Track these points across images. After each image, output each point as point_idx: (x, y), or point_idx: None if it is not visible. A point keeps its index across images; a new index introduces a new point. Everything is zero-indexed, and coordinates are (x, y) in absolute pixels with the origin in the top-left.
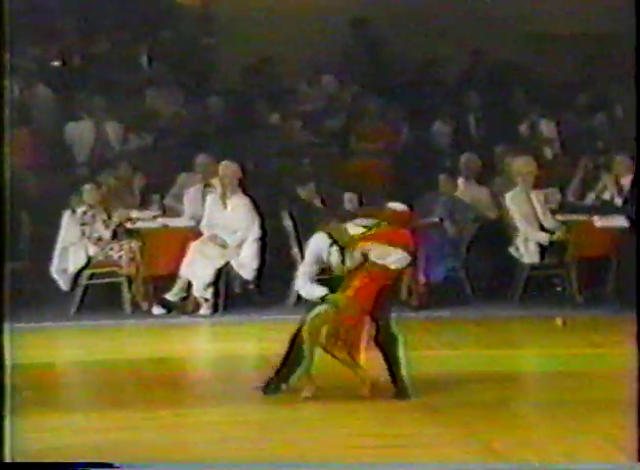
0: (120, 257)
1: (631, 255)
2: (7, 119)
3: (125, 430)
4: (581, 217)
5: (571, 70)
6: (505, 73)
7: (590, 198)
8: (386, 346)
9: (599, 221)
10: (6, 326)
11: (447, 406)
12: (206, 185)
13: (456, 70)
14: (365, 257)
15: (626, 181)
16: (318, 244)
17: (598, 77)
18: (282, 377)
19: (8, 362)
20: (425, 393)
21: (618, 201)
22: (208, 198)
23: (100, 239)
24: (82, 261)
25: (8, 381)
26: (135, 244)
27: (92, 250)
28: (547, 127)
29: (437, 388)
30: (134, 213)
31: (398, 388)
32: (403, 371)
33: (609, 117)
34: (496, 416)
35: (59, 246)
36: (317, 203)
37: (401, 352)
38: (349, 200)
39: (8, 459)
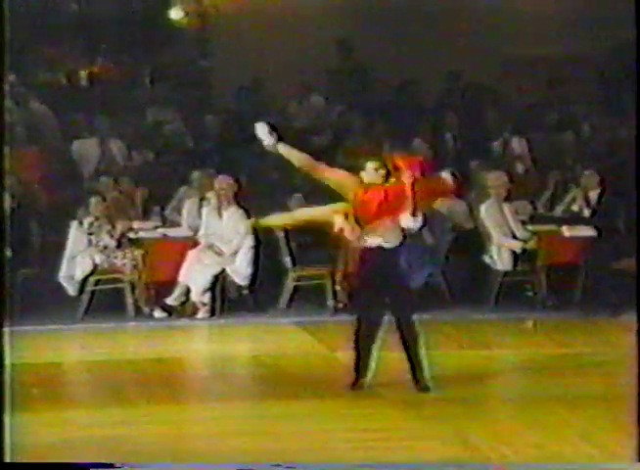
0: (124, 264)
1: (597, 262)
2: (17, 136)
3: (127, 425)
4: (551, 228)
5: (541, 91)
6: (479, 94)
7: (559, 210)
8: (409, 343)
9: (567, 231)
10: (7, 329)
11: (426, 402)
12: (203, 198)
13: (434, 90)
14: None
15: (593, 195)
16: None
17: (566, 97)
18: (361, 372)
19: (17, 361)
20: (406, 389)
21: (587, 212)
22: (205, 209)
23: (105, 248)
24: (89, 268)
25: (16, 379)
26: (138, 252)
27: (98, 258)
28: (518, 144)
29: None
30: (136, 224)
31: (420, 382)
32: (424, 366)
33: (576, 134)
34: (472, 411)
35: (67, 254)
36: None
37: (422, 350)
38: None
39: (8, 459)
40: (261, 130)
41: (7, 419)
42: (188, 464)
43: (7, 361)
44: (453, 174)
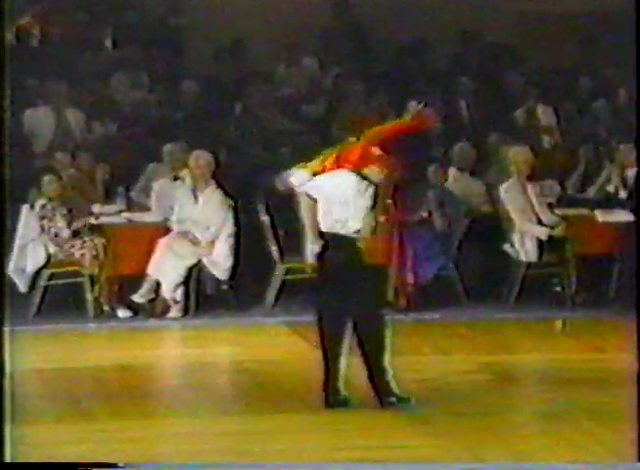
0: (83, 255)
1: (636, 252)
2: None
3: (86, 443)
4: (582, 212)
5: (571, 53)
6: (499, 56)
7: (592, 190)
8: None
9: (601, 216)
10: None
11: (437, 416)
12: (176, 177)
13: (446, 52)
14: None
15: (632, 172)
16: None
17: (599, 60)
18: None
19: None
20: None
21: (623, 194)
22: (178, 191)
23: (59, 235)
24: (42, 260)
25: None
26: (99, 241)
27: (52, 247)
28: (545, 114)
29: (426, 396)
30: (97, 208)
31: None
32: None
33: (611, 102)
34: (490, 426)
35: (16, 243)
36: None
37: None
38: None
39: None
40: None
41: None
42: (188, 464)
43: None
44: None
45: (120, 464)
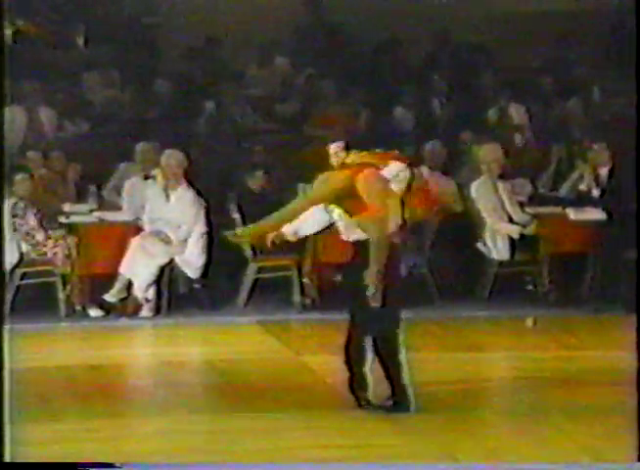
0: (55, 254)
1: (607, 250)
2: None
3: (57, 443)
4: (554, 210)
5: (543, 52)
6: (471, 56)
7: (564, 189)
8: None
9: (573, 214)
10: None
11: (409, 415)
12: (148, 176)
13: (419, 51)
14: None
15: (603, 172)
16: None
17: (572, 59)
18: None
19: None
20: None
21: (596, 192)
22: (150, 190)
23: (31, 234)
24: (14, 259)
25: None
26: (70, 240)
27: (24, 246)
28: (517, 113)
29: None
30: (69, 207)
31: (398, 397)
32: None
33: (584, 101)
34: (461, 425)
35: None
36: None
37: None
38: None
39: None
40: None
41: None
42: (189, 464)
43: None
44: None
45: (118, 464)
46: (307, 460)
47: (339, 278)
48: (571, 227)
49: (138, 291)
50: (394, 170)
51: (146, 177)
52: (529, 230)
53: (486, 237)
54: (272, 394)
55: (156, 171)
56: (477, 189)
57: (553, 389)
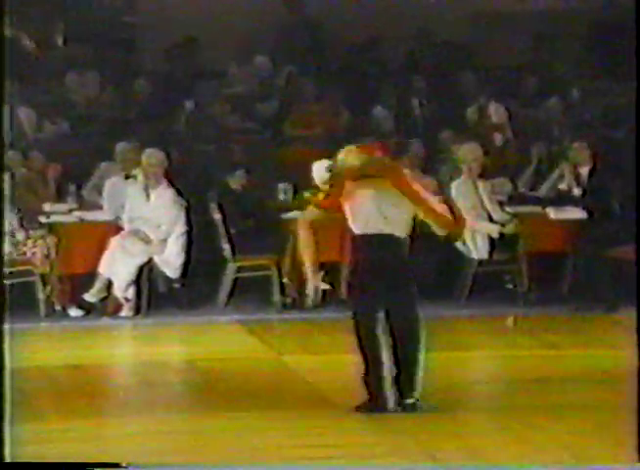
0: (34, 254)
1: (587, 249)
2: None
3: (37, 444)
4: (534, 209)
5: (523, 51)
6: (451, 55)
7: (544, 188)
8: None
9: (553, 213)
10: None
11: (386, 414)
12: (128, 175)
13: (399, 51)
14: None
15: (584, 171)
16: None
17: (552, 58)
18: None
19: None
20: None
21: (576, 191)
22: (130, 189)
23: (12, 234)
24: None
25: None
26: (50, 239)
27: (6, 246)
28: (496, 112)
29: None
30: (49, 206)
31: (405, 397)
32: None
33: (564, 100)
34: (441, 424)
35: None
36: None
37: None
38: (284, 190)
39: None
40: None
41: None
42: (189, 464)
43: None
44: None
45: (123, 464)
46: (288, 460)
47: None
48: (551, 226)
49: (118, 290)
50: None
51: (127, 176)
52: (509, 229)
53: (466, 236)
54: (252, 393)
55: (137, 171)
56: (457, 188)
57: (533, 388)
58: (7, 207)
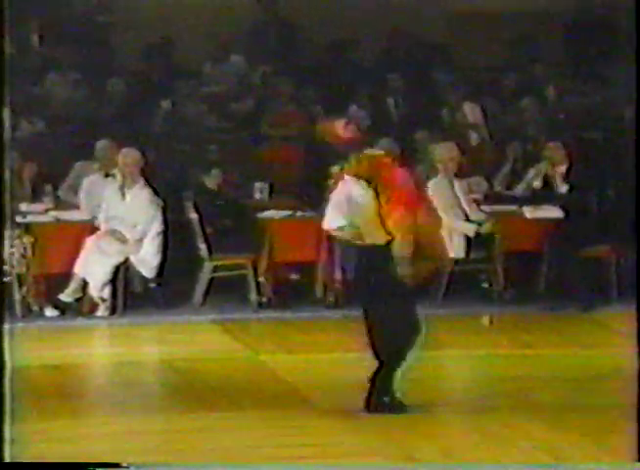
0: (10, 254)
1: (563, 248)
2: None
3: (14, 443)
4: (510, 208)
5: (498, 51)
6: (427, 54)
7: (519, 188)
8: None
9: (529, 212)
10: None
11: (365, 413)
12: (108, 174)
13: (374, 50)
14: None
15: (560, 170)
16: None
17: (526, 58)
18: None
19: None
20: (342, 398)
21: (553, 190)
22: (106, 189)
23: None
24: None
25: None
26: (26, 239)
27: None
28: (472, 111)
29: (356, 393)
30: (24, 206)
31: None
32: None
33: (539, 100)
34: (418, 424)
35: None
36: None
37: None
38: (260, 189)
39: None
40: None
41: None
42: (190, 464)
43: None
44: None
45: (124, 464)
46: (266, 459)
47: (296, 276)
48: (527, 225)
49: (94, 290)
50: None
51: (107, 175)
52: (485, 228)
53: (443, 235)
54: (230, 393)
55: (116, 170)
56: (433, 187)
57: (509, 386)
58: None
